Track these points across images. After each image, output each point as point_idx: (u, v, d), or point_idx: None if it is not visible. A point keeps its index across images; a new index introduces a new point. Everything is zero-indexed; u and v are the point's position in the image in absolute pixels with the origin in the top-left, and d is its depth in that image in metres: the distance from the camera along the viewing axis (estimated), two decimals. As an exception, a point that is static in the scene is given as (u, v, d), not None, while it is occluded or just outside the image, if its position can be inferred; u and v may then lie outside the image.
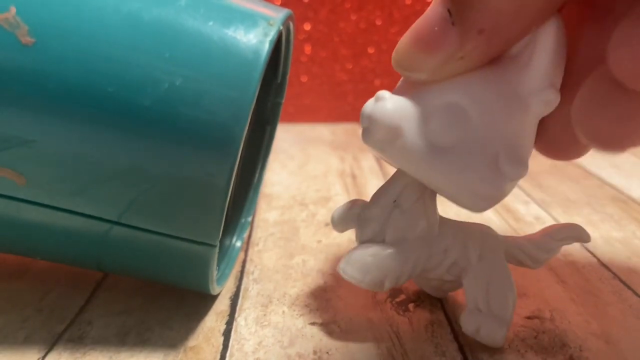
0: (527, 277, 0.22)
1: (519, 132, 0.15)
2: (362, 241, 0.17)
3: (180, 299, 0.20)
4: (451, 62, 0.14)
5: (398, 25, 0.49)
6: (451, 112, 0.15)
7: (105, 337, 0.18)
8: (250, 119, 0.15)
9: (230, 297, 0.21)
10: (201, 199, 0.15)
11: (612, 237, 0.26)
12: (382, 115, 0.15)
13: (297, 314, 0.19)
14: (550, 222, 0.28)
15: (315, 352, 0.17)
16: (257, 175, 0.27)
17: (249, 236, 0.26)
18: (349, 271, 0.17)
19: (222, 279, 0.20)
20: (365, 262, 0.16)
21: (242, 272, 0.23)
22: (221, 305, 0.20)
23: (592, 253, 0.24)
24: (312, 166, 0.38)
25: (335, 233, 0.26)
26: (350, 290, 0.21)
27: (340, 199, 0.31)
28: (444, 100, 0.15)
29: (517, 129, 0.15)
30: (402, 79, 0.16)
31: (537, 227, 0.27)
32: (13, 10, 0.14)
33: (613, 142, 0.14)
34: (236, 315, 0.19)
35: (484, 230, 0.18)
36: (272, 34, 0.16)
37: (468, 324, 0.17)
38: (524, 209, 0.30)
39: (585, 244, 0.25)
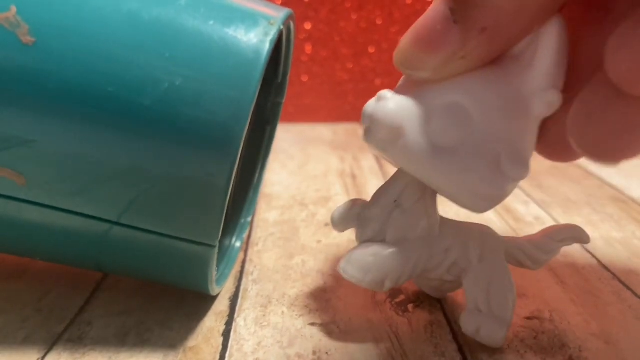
0: (527, 278, 0.22)
1: (520, 133, 0.15)
2: (363, 241, 0.17)
3: (180, 299, 0.20)
4: (453, 61, 0.14)
5: (398, 25, 0.49)
6: (453, 112, 0.15)
7: (105, 337, 0.18)
8: (250, 119, 0.15)
9: (230, 298, 0.21)
10: (201, 199, 0.15)
11: (612, 238, 0.26)
12: (383, 115, 0.15)
13: (296, 315, 0.19)
14: (550, 222, 0.28)
15: (314, 353, 0.17)
16: (257, 175, 0.27)
17: (249, 236, 0.26)
18: (350, 271, 0.17)
19: (221, 280, 0.20)
20: (366, 261, 0.16)
21: (241, 272, 0.23)
22: (221, 305, 0.20)
23: (591, 254, 0.24)
24: (312, 166, 0.38)
25: (335, 233, 0.26)
26: (350, 290, 0.21)
27: (340, 199, 0.31)
28: (446, 100, 0.15)
29: (519, 129, 0.15)
30: (403, 77, 0.16)
31: (537, 227, 0.27)
32: (14, 9, 0.14)
33: (606, 155, 0.14)
34: (236, 315, 0.19)
35: (484, 231, 0.18)
36: (272, 33, 0.16)
37: (468, 325, 0.17)
38: (524, 209, 0.30)
39: (585, 245, 0.25)
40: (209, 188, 0.15)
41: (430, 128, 0.15)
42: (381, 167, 0.38)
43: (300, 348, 0.17)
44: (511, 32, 0.13)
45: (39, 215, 0.16)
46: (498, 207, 0.30)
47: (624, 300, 0.21)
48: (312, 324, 0.19)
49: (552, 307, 0.20)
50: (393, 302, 0.20)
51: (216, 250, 0.17)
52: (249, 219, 0.25)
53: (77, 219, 0.16)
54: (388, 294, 0.21)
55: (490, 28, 0.13)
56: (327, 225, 0.27)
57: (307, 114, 0.51)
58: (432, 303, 0.20)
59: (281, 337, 0.18)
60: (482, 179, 0.15)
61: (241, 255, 0.24)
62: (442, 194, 0.16)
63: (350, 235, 0.26)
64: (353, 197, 0.28)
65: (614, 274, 0.23)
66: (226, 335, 0.18)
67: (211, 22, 0.15)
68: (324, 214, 0.29)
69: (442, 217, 0.18)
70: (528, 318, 0.19)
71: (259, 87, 0.15)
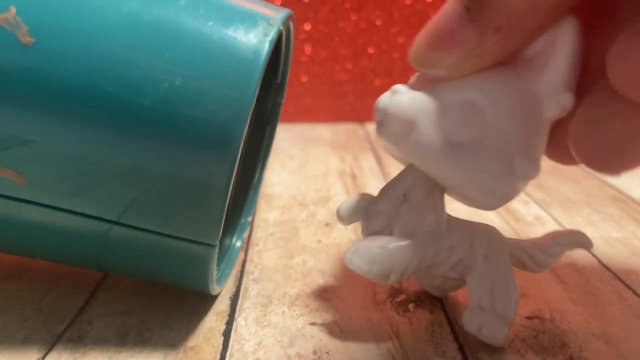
0: (528, 278, 0.22)
1: (533, 134, 0.15)
2: (369, 234, 0.17)
3: (180, 299, 0.20)
4: (469, 59, 0.14)
5: (398, 25, 0.49)
6: (467, 109, 0.15)
7: (105, 337, 0.18)
8: (250, 119, 0.15)
9: (230, 297, 0.21)
10: (201, 199, 0.15)
11: (612, 237, 0.26)
12: (397, 109, 0.15)
13: (297, 314, 0.19)
14: (550, 222, 0.28)
15: (315, 352, 0.17)
16: (257, 175, 0.27)
17: (249, 236, 0.26)
18: (356, 261, 0.16)
19: (222, 279, 0.20)
20: (372, 253, 0.16)
21: (242, 272, 0.23)
22: (221, 305, 0.20)
23: (592, 253, 0.24)
24: (312, 166, 0.38)
25: (335, 233, 0.26)
26: (350, 290, 0.21)
27: (340, 199, 0.31)
28: (461, 97, 0.15)
29: (532, 130, 0.15)
30: (416, 74, 0.16)
31: (537, 227, 0.27)
32: (13, 10, 0.14)
33: (607, 167, 0.14)
34: (236, 315, 0.19)
35: (490, 231, 0.18)
36: (272, 34, 0.16)
37: (471, 322, 0.17)
38: (524, 209, 0.30)
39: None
40: (209, 188, 0.15)
41: (444, 124, 0.15)
42: (381, 167, 0.38)
43: (300, 348, 0.17)
44: (525, 30, 0.14)
45: (39, 215, 0.16)
46: (498, 207, 0.30)
47: (625, 299, 0.21)
48: (313, 324, 0.19)
49: (553, 306, 0.20)
50: (394, 302, 0.20)
51: (216, 249, 0.17)
52: (249, 219, 0.25)
53: (77, 219, 0.16)
54: (389, 293, 0.21)
55: (505, 27, 0.13)
56: (327, 225, 0.27)
57: (307, 114, 0.51)
58: (433, 302, 0.20)
59: (282, 337, 0.18)
60: (494, 176, 0.15)
61: (241, 255, 0.24)
62: (451, 191, 0.16)
63: (350, 235, 0.26)
64: (353, 197, 0.28)
65: (614, 274, 0.23)
66: (226, 334, 0.18)
67: (211, 23, 0.16)
68: (324, 214, 0.29)
69: (449, 215, 0.18)
70: (528, 318, 0.19)
71: (259, 87, 0.15)
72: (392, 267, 0.16)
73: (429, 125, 0.15)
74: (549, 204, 0.31)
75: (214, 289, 0.18)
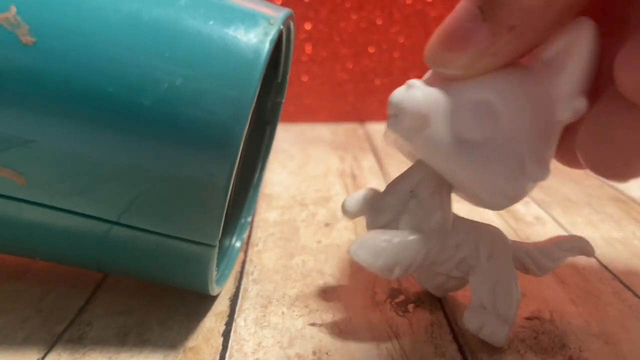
0: (528, 278, 0.22)
1: (544, 136, 0.15)
2: (374, 228, 0.17)
3: (180, 299, 0.20)
4: (483, 58, 0.14)
5: (398, 25, 0.49)
6: (481, 108, 0.15)
7: (105, 337, 0.18)
8: (250, 119, 0.15)
9: (230, 298, 0.21)
10: (201, 199, 0.15)
11: (612, 238, 0.26)
12: (412, 103, 0.15)
13: (296, 315, 0.19)
14: (550, 222, 0.28)
15: (314, 353, 0.17)
16: (257, 175, 0.27)
17: (249, 236, 0.26)
18: (361, 254, 0.16)
19: (221, 280, 0.20)
20: (378, 246, 0.16)
21: (241, 272, 0.23)
22: (220, 305, 0.20)
23: (592, 254, 0.24)
24: (312, 166, 0.38)
25: (335, 233, 0.26)
26: (350, 290, 0.21)
27: (340, 199, 0.31)
28: (476, 96, 0.15)
29: (544, 132, 0.15)
30: (430, 71, 0.16)
31: (537, 227, 0.27)
32: (13, 9, 0.14)
33: (614, 175, 0.14)
34: (235, 315, 0.19)
35: (494, 232, 0.18)
36: (272, 33, 0.16)
37: (472, 321, 0.17)
38: (524, 209, 0.30)
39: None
40: (209, 188, 0.15)
41: (457, 121, 0.15)
42: (381, 167, 0.38)
43: (300, 348, 0.17)
44: (538, 29, 0.14)
45: (39, 215, 0.16)
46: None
47: (624, 300, 0.21)
48: (312, 324, 0.19)
49: (553, 307, 0.20)
50: (393, 303, 0.20)
51: (216, 250, 0.17)
52: (249, 219, 0.25)
53: (77, 219, 0.16)
54: (388, 294, 0.21)
55: (518, 26, 0.13)
56: (327, 225, 0.27)
57: (307, 114, 0.51)
58: (433, 303, 0.20)
59: (281, 338, 0.18)
60: (505, 176, 0.15)
61: (241, 256, 0.24)
62: (460, 189, 0.16)
63: (350, 235, 0.26)
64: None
65: (614, 274, 0.23)
66: (226, 335, 0.18)
67: (211, 22, 0.15)
68: (324, 214, 0.29)
69: (454, 214, 0.18)
70: (528, 318, 0.19)
71: (259, 87, 0.15)
72: (397, 261, 0.16)
73: (442, 122, 0.15)
74: (549, 204, 0.31)
75: (214, 290, 0.18)
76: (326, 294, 0.21)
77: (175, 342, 0.18)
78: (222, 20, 0.16)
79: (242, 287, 0.21)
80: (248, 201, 0.26)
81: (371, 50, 0.50)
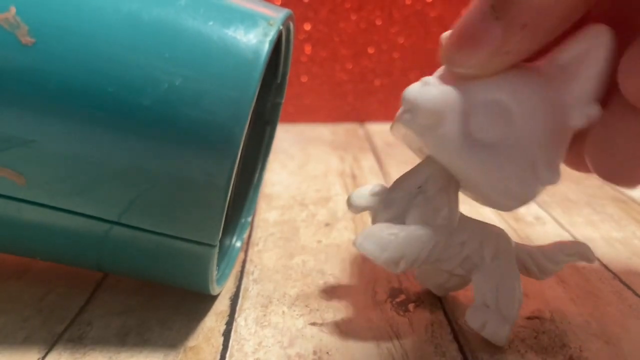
0: (528, 278, 0.22)
1: (556, 140, 0.15)
2: (379, 222, 0.17)
3: (180, 299, 0.20)
4: (497, 56, 0.14)
5: (398, 26, 0.49)
6: (496, 109, 0.15)
7: (105, 337, 0.18)
8: (250, 119, 0.15)
9: (230, 298, 0.21)
10: (201, 199, 0.15)
11: (612, 238, 0.26)
12: (427, 100, 0.15)
13: (297, 314, 0.19)
14: (550, 222, 0.28)
15: (315, 353, 0.17)
16: (257, 175, 0.27)
17: (249, 236, 0.26)
18: (367, 246, 0.16)
19: (222, 279, 0.20)
20: (384, 239, 0.16)
21: (242, 272, 0.23)
22: (221, 305, 0.20)
23: (592, 253, 0.24)
24: (312, 166, 0.38)
25: (335, 233, 0.26)
26: (350, 290, 0.21)
27: (340, 199, 0.31)
28: (490, 96, 0.15)
29: (556, 136, 0.15)
30: (442, 68, 0.16)
31: (537, 227, 0.27)
32: (13, 10, 0.14)
33: (623, 182, 0.15)
34: (236, 315, 0.19)
35: (499, 233, 0.18)
36: (272, 33, 0.16)
37: (474, 320, 0.17)
38: (523, 209, 0.30)
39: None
40: (209, 188, 0.15)
41: (472, 121, 0.15)
42: (381, 167, 0.38)
43: (300, 348, 0.17)
44: (549, 26, 0.14)
45: (39, 215, 0.16)
46: (498, 207, 0.30)
47: (625, 300, 0.21)
48: (313, 324, 0.19)
49: (553, 306, 0.20)
50: (394, 302, 0.20)
51: (216, 250, 0.17)
52: (249, 219, 0.25)
53: (77, 219, 0.16)
54: (388, 293, 0.21)
55: (530, 23, 0.13)
56: (327, 225, 0.27)
57: (307, 114, 0.51)
58: (433, 303, 0.20)
59: (282, 337, 0.18)
60: (516, 178, 0.15)
61: (241, 255, 0.24)
62: (468, 188, 0.17)
63: (350, 235, 0.26)
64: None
65: (614, 274, 0.23)
66: (226, 335, 0.18)
67: (211, 23, 0.16)
68: (324, 214, 0.29)
69: (460, 213, 0.18)
70: (529, 318, 0.19)
71: (259, 87, 0.15)
72: (403, 254, 0.16)
73: (456, 121, 0.15)
74: (549, 204, 0.31)
75: (214, 289, 0.18)
76: (326, 293, 0.21)
77: (175, 341, 0.18)
78: (221, 20, 0.16)
79: (242, 286, 0.21)
80: (248, 201, 0.26)
81: (371, 50, 0.50)
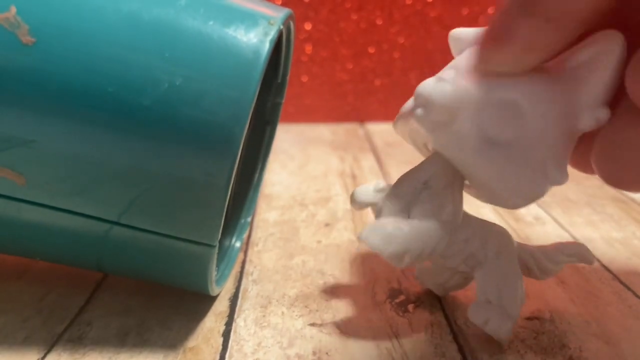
0: (528, 278, 0.22)
1: (565, 141, 0.15)
2: (384, 216, 0.17)
3: (179, 299, 0.20)
4: (528, 53, 0.14)
5: (398, 25, 0.49)
6: (509, 109, 0.15)
7: (105, 337, 0.18)
8: (250, 119, 0.15)
9: (230, 298, 0.21)
10: (201, 199, 0.15)
11: (612, 238, 0.26)
12: (441, 97, 0.15)
13: (296, 315, 0.19)
14: (550, 222, 0.28)
15: (314, 353, 0.17)
16: (257, 175, 0.27)
17: (249, 236, 0.26)
18: (372, 239, 0.16)
19: (221, 280, 0.20)
20: (390, 233, 0.16)
21: (241, 272, 0.23)
22: (220, 306, 0.20)
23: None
24: (312, 166, 0.38)
25: (335, 233, 0.26)
26: (350, 291, 0.21)
27: (340, 199, 0.31)
28: (505, 96, 0.15)
29: (564, 138, 0.15)
30: (453, 60, 0.16)
31: (537, 227, 0.27)
32: (13, 9, 0.14)
33: (626, 185, 0.15)
34: (235, 316, 0.19)
35: (502, 231, 0.18)
36: (272, 33, 0.16)
37: (477, 316, 0.17)
38: (524, 209, 0.30)
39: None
40: (209, 188, 0.15)
41: (483, 119, 0.15)
42: (381, 167, 0.38)
43: (300, 348, 0.17)
44: (577, 21, 0.14)
45: (39, 215, 0.16)
46: (498, 207, 0.30)
47: (624, 300, 0.21)
48: (312, 325, 0.19)
49: (553, 307, 0.20)
50: (393, 303, 0.20)
51: (216, 250, 0.17)
52: (249, 219, 0.25)
53: (77, 219, 0.16)
54: (388, 294, 0.21)
55: (559, 18, 0.13)
56: (327, 225, 0.27)
57: (307, 114, 0.51)
58: (433, 303, 0.20)
59: (281, 338, 0.18)
60: (526, 178, 0.15)
61: (241, 256, 0.24)
62: (475, 185, 0.17)
63: (350, 235, 0.26)
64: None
65: (614, 274, 0.23)
66: (226, 335, 0.18)
67: (211, 22, 0.15)
68: (324, 214, 0.29)
69: (465, 212, 0.18)
70: (528, 318, 0.19)
71: (259, 87, 0.15)
72: (407, 249, 0.16)
73: (468, 118, 0.15)
74: (549, 204, 0.31)
75: (214, 290, 0.18)
76: (326, 294, 0.21)
77: (175, 342, 0.18)
78: (222, 20, 0.16)
79: (242, 287, 0.21)
80: (248, 201, 0.26)
81: (371, 50, 0.50)
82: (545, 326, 0.19)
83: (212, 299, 0.20)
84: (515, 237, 0.26)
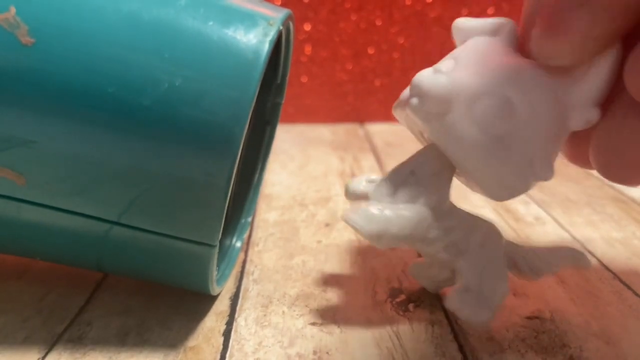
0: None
1: (554, 139, 0.16)
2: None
3: (180, 299, 0.20)
4: (587, 43, 0.14)
5: (398, 26, 0.49)
6: (502, 104, 0.15)
7: (105, 337, 0.18)
8: (250, 119, 0.15)
9: (230, 298, 0.21)
10: (201, 199, 0.15)
11: (612, 238, 0.26)
12: (437, 88, 0.15)
13: (297, 314, 0.19)
14: (550, 222, 0.28)
15: (315, 352, 0.17)
16: (257, 175, 0.27)
17: (249, 236, 0.26)
18: (353, 217, 0.16)
19: (222, 280, 0.20)
20: (371, 213, 0.16)
21: (242, 272, 0.23)
22: (221, 305, 0.20)
23: (592, 253, 0.24)
24: (312, 166, 0.38)
25: (335, 233, 0.26)
26: (350, 290, 0.21)
27: (340, 199, 0.31)
28: (499, 91, 0.15)
29: (554, 135, 0.15)
30: (454, 50, 0.16)
31: (537, 227, 0.27)
32: (13, 10, 0.14)
33: (624, 180, 0.15)
34: (236, 315, 0.19)
35: (490, 226, 0.18)
36: (272, 33, 0.16)
37: (452, 301, 0.17)
38: (524, 209, 0.30)
39: (585, 245, 0.25)
40: (209, 188, 0.15)
41: (477, 113, 0.15)
42: (381, 167, 0.38)
43: (300, 348, 0.17)
44: (633, 9, 0.13)
45: (39, 215, 0.16)
46: (498, 207, 0.30)
47: (625, 300, 0.21)
48: (313, 324, 0.19)
49: (553, 306, 0.20)
50: (394, 302, 0.20)
51: (216, 250, 0.17)
52: (249, 219, 0.25)
53: (77, 219, 0.16)
54: (388, 293, 0.21)
55: (615, 5, 0.13)
56: (327, 225, 0.27)
57: (307, 115, 0.51)
58: (433, 303, 0.20)
59: (282, 337, 0.18)
60: (514, 173, 0.15)
61: (241, 256, 0.24)
62: (465, 175, 0.17)
63: (350, 235, 0.26)
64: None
65: (614, 274, 0.23)
66: (227, 335, 0.18)
67: (211, 23, 0.16)
68: (324, 214, 0.29)
69: (454, 205, 0.18)
70: (529, 318, 0.19)
71: (259, 87, 0.15)
72: (386, 228, 0.16)
73: (462, 111, 0.15)
74: (549, 204, 0.31)
75: (214, 290, 0.18)
76: (326, 293, 0.21)
77: (175, 342, 0.18)
78: (221, 20, 0.16)
79: (242, 286, 0.21)
80: (248, 201, 0.26)
81: (371, 51, 0.50)
82: (546, 325, 0.19)
83: (212, 299, 0.20)
84: (515, 237, 0.26)
